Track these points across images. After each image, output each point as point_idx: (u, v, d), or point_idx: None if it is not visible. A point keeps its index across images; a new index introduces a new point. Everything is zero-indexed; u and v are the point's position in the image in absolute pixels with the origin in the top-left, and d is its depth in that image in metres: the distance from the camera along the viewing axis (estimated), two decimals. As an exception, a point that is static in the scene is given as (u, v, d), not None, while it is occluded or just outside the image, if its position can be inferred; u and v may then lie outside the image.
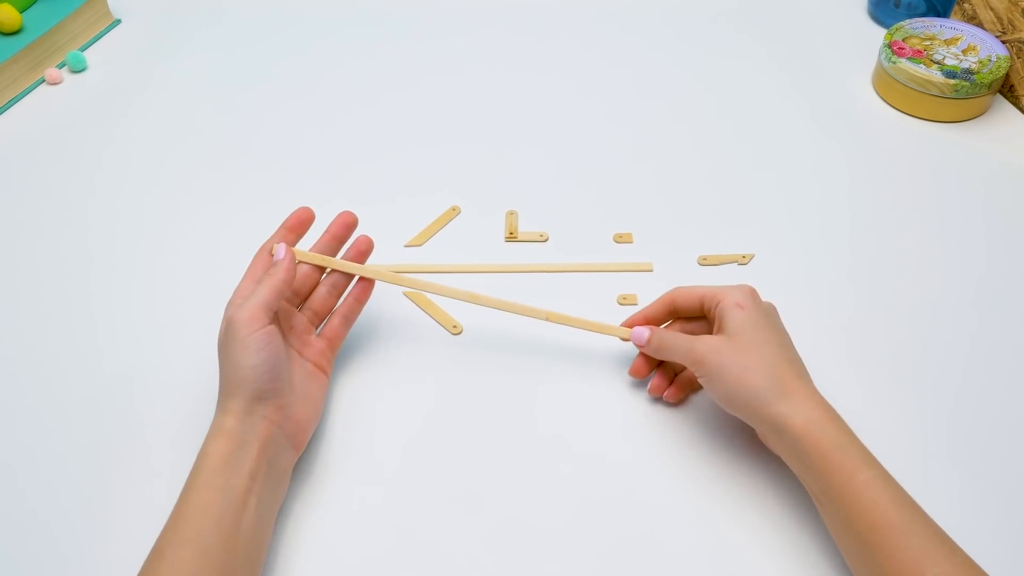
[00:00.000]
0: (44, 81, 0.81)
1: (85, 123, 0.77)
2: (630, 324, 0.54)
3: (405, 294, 0.61)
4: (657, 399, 0.54)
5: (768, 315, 0.49)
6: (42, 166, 0.73)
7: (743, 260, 0.64)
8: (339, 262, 0.53)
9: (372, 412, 0.54)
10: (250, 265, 0.50)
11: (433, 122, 0.77)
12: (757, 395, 0.45)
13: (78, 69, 0.83)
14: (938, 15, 0.84)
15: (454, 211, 0.68)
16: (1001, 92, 0.78)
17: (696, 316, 0.52)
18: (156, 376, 0.56)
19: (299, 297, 0.53)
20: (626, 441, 0.52)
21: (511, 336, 0.58)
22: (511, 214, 0.67)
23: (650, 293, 0.60)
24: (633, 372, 0.53)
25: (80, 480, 0.51)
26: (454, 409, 0.54)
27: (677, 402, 0.53)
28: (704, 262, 0.64)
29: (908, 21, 0.79)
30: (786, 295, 0.55)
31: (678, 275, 0.63)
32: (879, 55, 0.78)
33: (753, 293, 0.49)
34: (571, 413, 0.54)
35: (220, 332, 0.47)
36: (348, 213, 0.54)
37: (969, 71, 0.73)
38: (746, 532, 0.48)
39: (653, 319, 0.53)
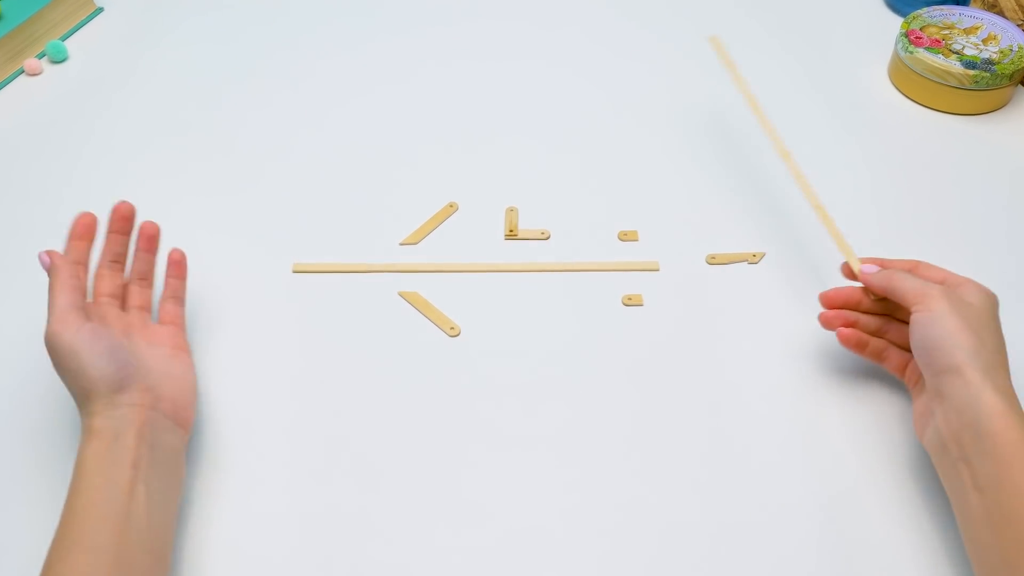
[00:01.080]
0: (23, 72, 0.80)
1: (66, 115, 0.76)
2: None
3: (400, 294, 0.60)
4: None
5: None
6: (21, 159, 0.71)
7: (753, 259, 0.62)
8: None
9: (370, 414, 0.53)
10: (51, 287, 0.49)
11: (429, 115, 0.75)
12: (968, 352, 0.45)
13: (58, 59, 0.81)
14: (957, 3, 0.83)
15: (452, 207, 0.67)
16: (1023, 83, 0.77)
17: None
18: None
19: (119, 299, 0.53)
20: (628, 444, 0.52)
21: (511, 338, 0.57)
22: (511, 211, 0.66)
23: (657, 293, 0.60)
24: (826, 299, 0.53)
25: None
26: (453, 412, 0.53)
27: (847, 344, 0.52)
28: (713, 261, 0.62)
29: (926, 9, 0.79)
30: (798, 295, 0.54)
31: (686, 275, 0.61)
32: (896, 45, 0.77)
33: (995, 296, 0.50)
34: (571, 418, 0.53)
35: (51, 360, 0.46)
36: (124, 204, 0.53)
37: (989, 61, 0.72)
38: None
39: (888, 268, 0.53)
